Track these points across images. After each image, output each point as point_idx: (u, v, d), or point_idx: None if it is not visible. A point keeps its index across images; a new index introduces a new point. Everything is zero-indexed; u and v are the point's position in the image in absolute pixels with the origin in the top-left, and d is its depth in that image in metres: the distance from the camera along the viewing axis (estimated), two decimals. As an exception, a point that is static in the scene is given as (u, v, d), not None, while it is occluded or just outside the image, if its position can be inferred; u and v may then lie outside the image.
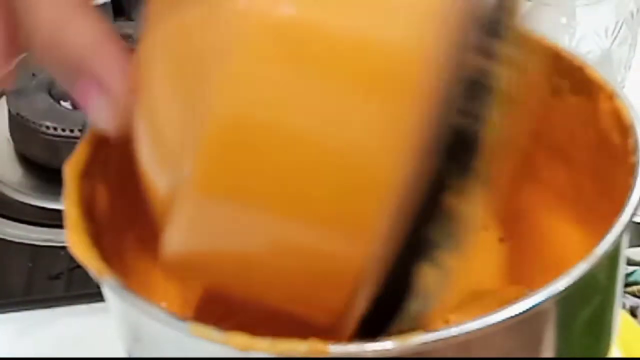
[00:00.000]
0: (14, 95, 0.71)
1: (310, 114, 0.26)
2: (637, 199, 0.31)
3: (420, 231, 0.28)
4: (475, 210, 0.28)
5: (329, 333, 0.28)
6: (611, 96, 0.35)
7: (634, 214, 0.31)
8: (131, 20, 0.80)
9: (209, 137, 0.26)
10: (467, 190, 0.28)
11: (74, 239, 0.32)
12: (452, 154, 0.28)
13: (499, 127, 0.28)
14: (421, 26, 0.26)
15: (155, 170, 0.30)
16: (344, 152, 0.26)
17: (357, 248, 0.27)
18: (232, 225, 0.28)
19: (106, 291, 0.32)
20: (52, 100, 0.70)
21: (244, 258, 0.29)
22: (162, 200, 0.30)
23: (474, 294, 0.37)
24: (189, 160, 0.27)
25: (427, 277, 0.28)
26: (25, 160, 0.71)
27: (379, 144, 0.26)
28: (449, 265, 0.28)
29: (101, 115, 0.31)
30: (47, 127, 0.68)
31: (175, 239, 0.29)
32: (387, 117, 0.26)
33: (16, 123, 0.70)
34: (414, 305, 0.28)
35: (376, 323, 0.29)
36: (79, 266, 0.31)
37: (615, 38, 0.66)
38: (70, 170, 0.34)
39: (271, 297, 0.30)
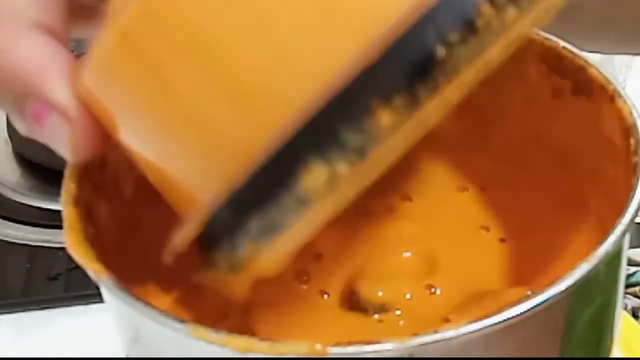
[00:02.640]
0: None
1: (231, 27, 0.26)
2: (639, 199, 0.31)
3: (328, 125, 0.26)
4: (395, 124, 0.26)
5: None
6: (613, 96, 0.35)
7: (635, 215, 0.31)
8: None
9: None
10: (394, 102, 0.26)
11: (72, 239, 0.32)
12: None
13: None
14: None
15: None
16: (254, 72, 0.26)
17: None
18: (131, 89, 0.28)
19: (104, 292, 0.32)
20: (50, 100, 0.70)
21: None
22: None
23: (474, 295, 0.37)
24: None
25: (313, 173, 0.26)
26: (24, 161, 0.71)
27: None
28: (340, 170, 0.26)
29: (59, 143, 0.31)
30: (46, 127, 0.68)
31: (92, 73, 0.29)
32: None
33: (15, 123, 0.70)
34: (286, 199, 0.27)
35: (243, 210, 0.28)
36: (77, 267, 0.31)
37: (616, 38, 0.65)
38: (69, 170, 0.34)
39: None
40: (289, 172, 0.27)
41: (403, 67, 0.26)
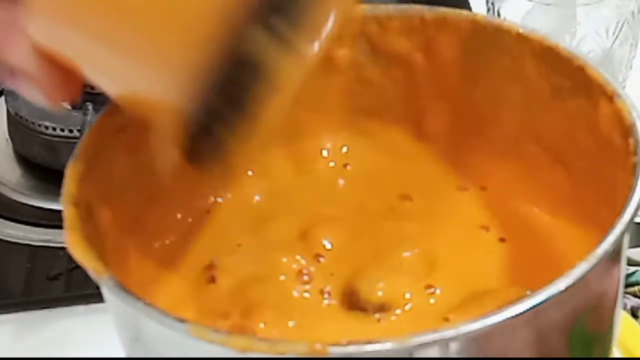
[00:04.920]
0: (12, 95, 0.71)
1: None
2: (638, 199, 0.31)
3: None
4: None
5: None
6: (612, 96, 0.35)
7: (634, 215, 0.31)
8: None
9: None
10: None
11: (72, 239, 0.32)
12: None
13: None
14: None
15: None
16: None
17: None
18: None
19: (105, 292, 0.32)
20: (51, 101, 0.70)
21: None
22: None
23: (474, 294, 0.37)
24: None
25: (267, 50, 0.27)
26: (24, 161, 0.71)
27: None
28: (293, 42, 0.28)
29: (34, 96, 0.32)
30: (46, 127, 0.68)
31: None
32: None
33: (15, 123, 0.70)
34: (257, 84, 0.28)
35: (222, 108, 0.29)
36: (77, 267, 0.31)
37: (616, 38, 0.65)
38: (70, 170, 0.34)
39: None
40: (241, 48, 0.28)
41: None
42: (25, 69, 0.31)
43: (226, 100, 0.28)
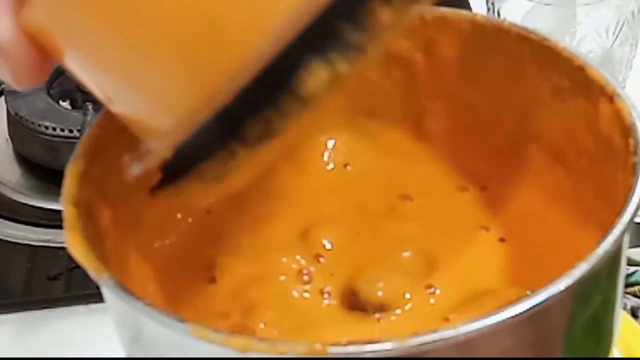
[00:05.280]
0: (12, 95, 0.71)
1: None
2: (638, 199, 0.31)
3: (327, 23, 0.26)
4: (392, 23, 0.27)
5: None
6: (612, 96, 0.35)
7: (634, 215, 0.31)
8: None
9: None
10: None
11: (72, 239, 0.32)
12: None
13: None
14: None
15: None
16: None
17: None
18: None
19: (105, 292, 0.32)
20: (50, 100, 0.70)
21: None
22: None
23: (474, 294, 0.37)
24: None
25: (314, 74, 0.27)
26: (24, 161, 0.71)
27: None
28: (341, 68, 0.27)
29: (3, 72, 0.31)
30: (46, 127, 0.68)
31: None
32: None
33: (15, 123, 0.70)
34: (287, 103, 0.27)
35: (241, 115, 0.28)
36: (78, 267, 0.31)
37: (616, 38, 0.66)
38: (70, 170, 0.34)
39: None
40: (289, 75, 0.27)
41: None
42: (3, 42, 0.30)
43: (256, 115, 0.27)
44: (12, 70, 0.30)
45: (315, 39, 0.26)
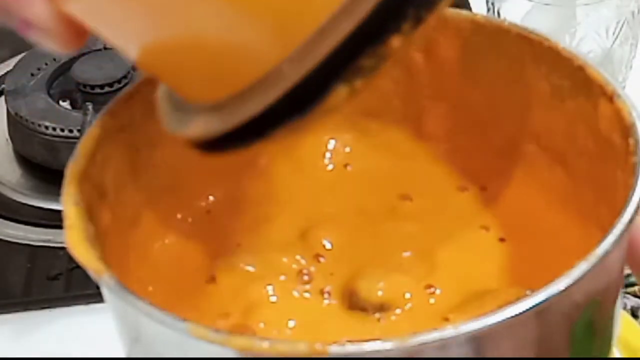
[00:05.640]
0: (12, 95, 0.71)
1: None
2: (638, 199, 0.31)
3: (354, 52, 0.28)
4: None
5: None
6: (612, 96, 0.35)
7: (634, 214, 0.31)
8: None
9: None
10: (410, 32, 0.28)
11: (72, 239, 0.32)
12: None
13: None
14: None
15: None
16: None
17: (277, 50, 0.29)
18: None
19: (105, 292, 0.32)
20: (50, 100, 0.70)
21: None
22: None
23: (474, 294, 0.37)
24: None
25: (339, 91, 0.29)
26: (24, 161, 0.71)
27: None
28: (359, 86, 0.29)
29: (46, 45, 0.32)
30: (46, 127, 0.68)
31: None
32: None
33: (15, 123, 0.70)
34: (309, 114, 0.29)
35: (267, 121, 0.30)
36: (78, 267, 0.31)
37: (616, 38, 0.66)
38: (70, 170, 0.34)
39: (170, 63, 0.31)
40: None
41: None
42: (42, 25, 0.32)
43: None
44: (54, 43, 0.32)
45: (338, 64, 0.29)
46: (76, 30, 0.32)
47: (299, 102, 0.29)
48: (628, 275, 0.55)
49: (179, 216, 0.40)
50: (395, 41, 0.28)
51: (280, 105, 0.29)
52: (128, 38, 0.32)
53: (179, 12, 0.29)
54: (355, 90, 0.29)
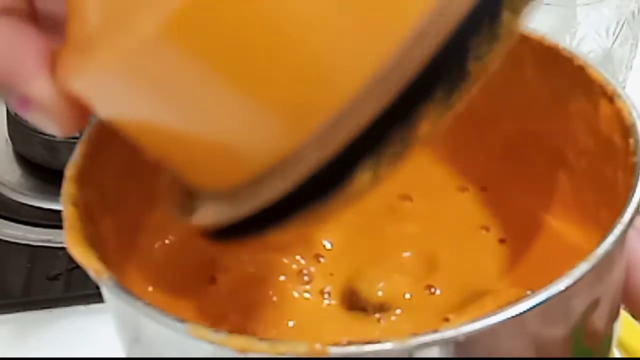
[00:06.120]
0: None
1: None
2: (638, 199, 0.31)
3: (379, 137, 0.27)
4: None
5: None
6: (612, 96, 0.35)
7: (634, 215, 0.31)
8: None
9: None
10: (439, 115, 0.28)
11: (72, 239, 0.31)
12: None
13: None
14: None
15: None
16: (320, 50, 0.26)
17: (293, 138, 0.27)
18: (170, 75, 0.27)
19: (105, 292, 0.32)
20: (51, 100, 0.70)
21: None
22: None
23: (474, 294, 0.37)
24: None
25: (362, 177, 0.27)
26: (24, 161, 0.71)
27: (359, 53, 0.26)
28: (383, 173, 0.27)
29: (45, 126, 0.30)
30: (46, 127, 0.68)
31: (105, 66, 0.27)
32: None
33: (15, 123, 0.70)
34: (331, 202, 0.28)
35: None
36: (77, 267, 0.31)
37: (616, 38, 0.66)
38: (70, 170, 0.34)
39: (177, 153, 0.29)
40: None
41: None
42: (43, 102, 0.29)
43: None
44: (55, 124, 0.30)
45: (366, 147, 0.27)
46: (79, 111, 0.30)
47: (318, 189, 0.27)
48: (628, 276, 0.54)
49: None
50: (424, 126, 0.27)
51: (297, 192, 0.27)
52: (137, 124, 0.29)
53: (194, 104, 0.27)
54: (379, 177, 0.27)
